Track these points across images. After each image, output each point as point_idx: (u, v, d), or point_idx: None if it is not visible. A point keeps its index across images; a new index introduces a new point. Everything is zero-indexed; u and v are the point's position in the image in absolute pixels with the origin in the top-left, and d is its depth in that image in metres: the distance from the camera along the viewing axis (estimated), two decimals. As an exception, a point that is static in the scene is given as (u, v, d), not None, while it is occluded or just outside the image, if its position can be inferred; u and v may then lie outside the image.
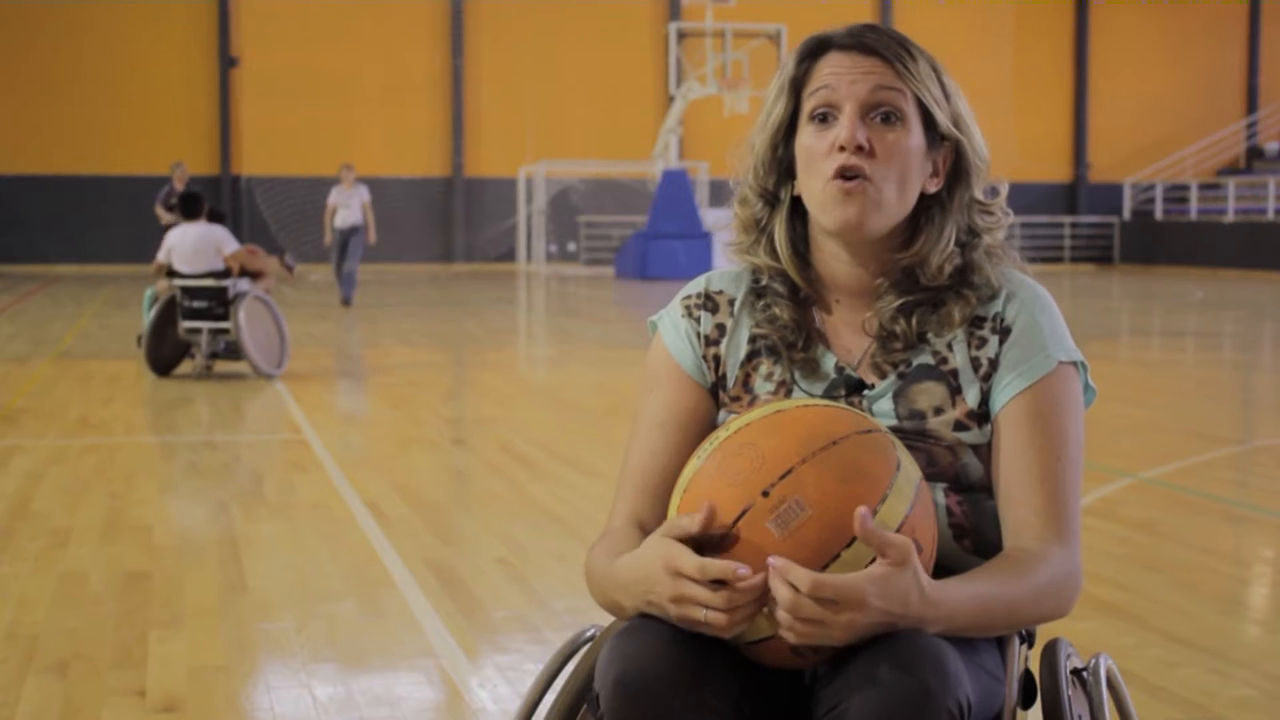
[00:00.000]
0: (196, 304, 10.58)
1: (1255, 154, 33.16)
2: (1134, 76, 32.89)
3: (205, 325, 10.59)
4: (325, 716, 3.57)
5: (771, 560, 1.63)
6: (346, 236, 18.48)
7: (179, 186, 16.38)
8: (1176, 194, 31.87)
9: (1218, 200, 30.42)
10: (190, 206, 10.88)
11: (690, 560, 1.66)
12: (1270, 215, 28.65)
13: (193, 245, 10.65)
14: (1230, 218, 29.38)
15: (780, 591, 1.62)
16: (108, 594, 4.67)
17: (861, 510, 1.63)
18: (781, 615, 1.62)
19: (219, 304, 10.58)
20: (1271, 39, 33.58)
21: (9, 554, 5.20)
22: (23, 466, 6.98)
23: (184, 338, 10.73)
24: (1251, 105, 33.63)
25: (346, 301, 18.45)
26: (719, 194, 26.86)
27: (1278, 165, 31.89)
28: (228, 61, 29.20)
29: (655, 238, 25.17)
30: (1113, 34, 32.84)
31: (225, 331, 10.63)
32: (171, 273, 10.77)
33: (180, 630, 4.28)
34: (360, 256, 18.67)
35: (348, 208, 18.47)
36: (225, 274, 10.66)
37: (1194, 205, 30.78)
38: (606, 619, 1.90)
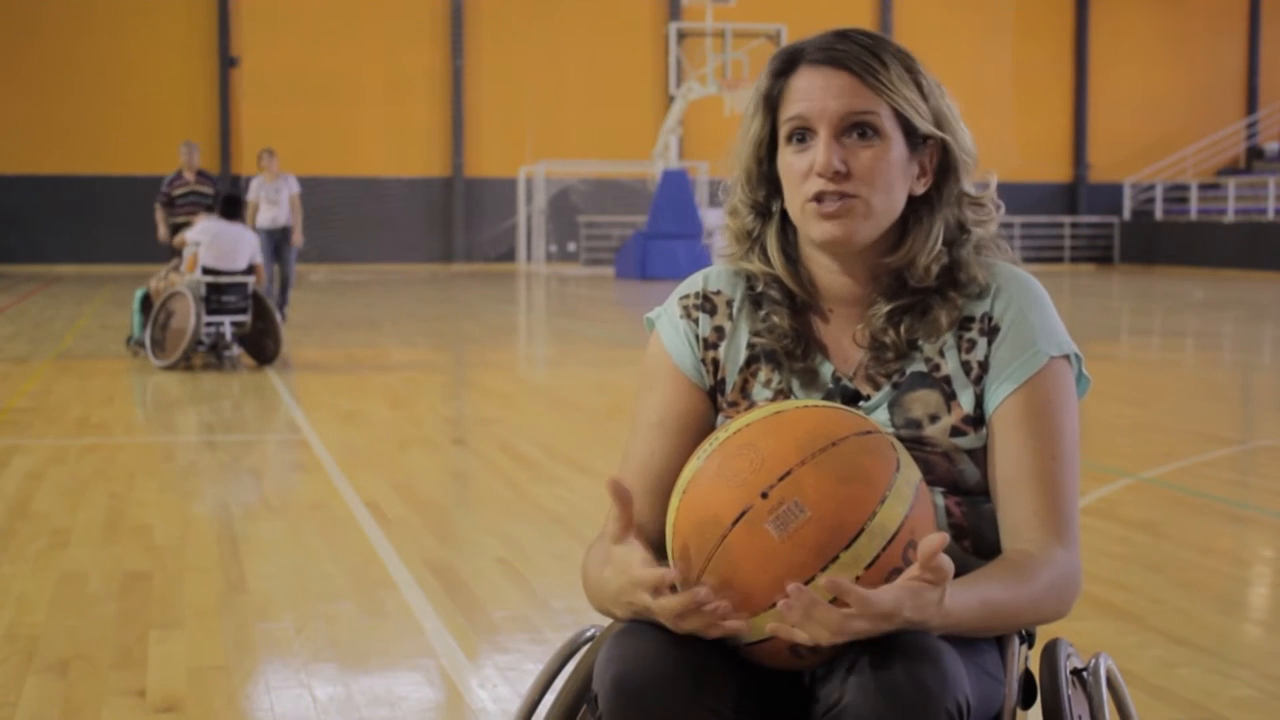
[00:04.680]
0: (227, 299, 11.34)
1: (1255, 154, 33.15)
2: (1134, 76, 32.89)
3: (228, 319, 11.32)
4: (325, 716, 3.57)
5: (826, 581, 1.60)
6: (276, 240, 14.99)
7: (189, 176, 13.85)
8: (1176, 194, 31.87)
9: (1218, 200, 30.41)
10: (235, 208, 11.72)
11: (639, 571, 1.68)
12: (1270, 215, 28.65)
13: (237, 245, 11.46)
14: (1230, 218, 29.37)
15: (827, 616, 1.59)
16: (108, 594, 4.67)
17: (937, 536, 1.62)
18: (820, 633, 1.61)
19: (242, 298, 11.39)
20: (1271, 39, 33.57)
21: (9, 554, 5.20)
22: (23, 466, 6.98)
23: (203, 331, 11.25)
24: (1251, 105, 33.63)
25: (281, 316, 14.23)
26: (719, 194, 26.74)
27: (1278, 165, 31.89)
28: (228, 61, 29.20)
29: (655, 238, 25.17)
30: (1113, 33, 32.84)
31: (242, 325, 11.40)
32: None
33: (180, 630, 4.28)
34: (295, 262, 15.59)
35: (274, 204, 15.02)
36: (249, 272, 11.49)
37: (1194, 205, 30.78)
38: (607, 619, 1.90)
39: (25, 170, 28.35)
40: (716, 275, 2.03)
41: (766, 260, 1.98)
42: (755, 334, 1.98)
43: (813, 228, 1.90)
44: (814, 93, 1.88)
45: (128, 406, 9.50)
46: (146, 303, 11.89)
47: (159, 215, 13.92)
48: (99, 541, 5.42)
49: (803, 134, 1.89)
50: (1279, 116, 33.48)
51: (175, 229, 13.59)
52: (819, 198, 1.87)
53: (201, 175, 14.05)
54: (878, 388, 1.93)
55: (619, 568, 1.73)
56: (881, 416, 1.92)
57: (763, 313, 1.97)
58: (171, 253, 13.00)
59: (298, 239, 15.22)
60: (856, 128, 1.87)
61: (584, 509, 6.05)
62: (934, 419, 1.91)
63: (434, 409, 9.60)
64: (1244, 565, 5.42)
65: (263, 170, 15.28)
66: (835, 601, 1.61)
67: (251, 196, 14.95)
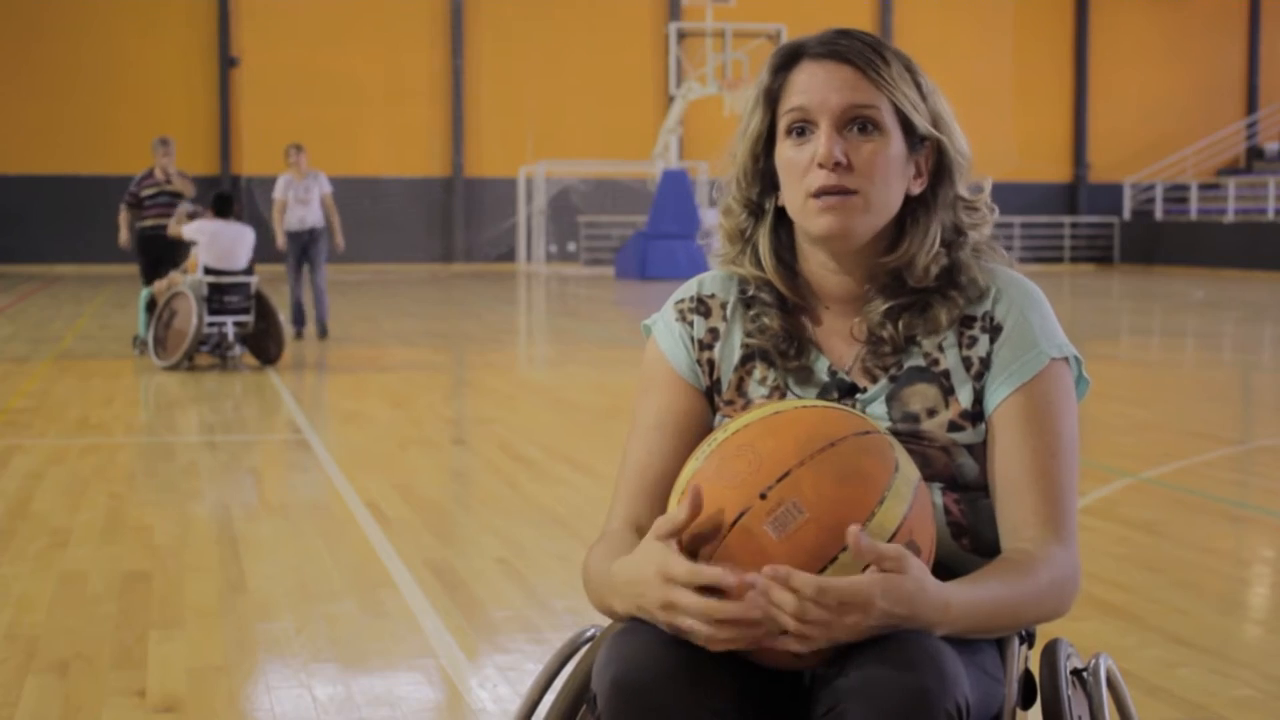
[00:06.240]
0: (230, 299, 11.31)
1: (1255, 154, 33.15)
2: (1134, 76, 32.89)
3: (231, 319, 11.30)
4: (325, 716, 3.57)
5: (769, 569, 1.60)
6: (305, 243, 13.95)
7: (160, 175, 12.77)
8: (1176, 194, 31.86)
9: (1218, 200, 30.41)
10: (227, 206, 11.60)
11: (682, 566, 1.65)
12: (1270, 215, 28.65)
13: (236, 244, 11.44)
14: (1230, 218, 29.38)
15: (783, 598, 1.60)
16: (108, 594, 4.67)
17: (853, 529, 1.62)
18: (786, 621, 1.61)
19: (244, 298, 11.36)
20: (1271, 39, 33.58)
21: (9, 554, 5.20)
22: (23, 466, 6.98)
23: (205, 331, 11.25)
24: (1251, 105, 33.63)
25: (323, 331, 14.00)
26: (714, 193, 26.65)
27: (1278, 165, 31.89)
28: (228, 61, 29.20)
29: (655, 238, 25.17)
30: (1113, 33, 32.84)
31: (244, 325, 11.38)
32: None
33: (180, 630, 4.28)
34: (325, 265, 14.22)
35: (305, 204, 13.88)
36: (249, 270, 11.46)
37: (1194, 205, 30.77)
38: (607, 620, 1.90)
39: (25, 170, 28.35)
40: (711, 280, 2.04)
41: (758, 262, 1.99)
42: (748, 337, 1.98)
43: (811, 222, 1.90)
44: (815, 85, 1.90)
45: (128, 406, 9.50)
46: (153, 302, 11.87)
47: (121, 217, 12.83)
48: (99, 541, 5.42)
49: (802, 127, 1.90)
50: (1279, 116, 33.47)
51: (143, 234, 12.74)
52: (818, 193, 1.88)
53: (179, 175, 12.93)
54: (875, 380, 1.94)
55: (650, 559, 1.70)
56: (879, 409, 1.92)
57: (753, 313, 1.98)
58: (153, 259, 12.46)
59: (340, 241, 14.05)
60: (857, 121, 1.89)
61: (584, 509, 6.06)
62: (932, 413, 1.91)
63: (434, 409, 9.60)
64: (1244, 565, 5.42)
65: (290, 167, 14.01)
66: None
67: (278, 195, 13.94)
